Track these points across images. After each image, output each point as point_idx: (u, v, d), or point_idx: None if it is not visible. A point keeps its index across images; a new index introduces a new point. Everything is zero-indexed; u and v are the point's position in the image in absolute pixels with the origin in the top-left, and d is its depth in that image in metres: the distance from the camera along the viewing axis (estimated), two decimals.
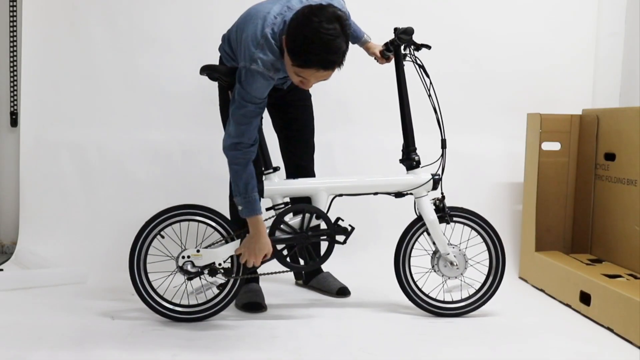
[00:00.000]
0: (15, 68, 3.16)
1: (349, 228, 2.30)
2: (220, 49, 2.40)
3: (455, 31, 3.27)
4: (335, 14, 1.97)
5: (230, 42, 2.30)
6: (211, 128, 3.17)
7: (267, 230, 2.23)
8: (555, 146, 2.95)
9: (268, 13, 2.08)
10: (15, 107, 3.20)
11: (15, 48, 3.15)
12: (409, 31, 2.32)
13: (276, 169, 2.29)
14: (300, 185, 2.32)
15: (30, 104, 3.13)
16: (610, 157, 2.77)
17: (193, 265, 2.22)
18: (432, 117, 2.35)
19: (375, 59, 2.51)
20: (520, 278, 3.01)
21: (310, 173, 2.61)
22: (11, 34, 3.15)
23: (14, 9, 3.14)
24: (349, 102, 3.22)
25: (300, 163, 2.57)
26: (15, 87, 3.18)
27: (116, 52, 3.15)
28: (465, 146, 3.21)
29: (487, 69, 3.33)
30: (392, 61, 2.42)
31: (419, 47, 2.35)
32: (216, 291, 2.28)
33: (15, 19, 3.14)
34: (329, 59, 1.96)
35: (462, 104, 3.28)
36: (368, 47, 2.53)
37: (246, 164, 2.12)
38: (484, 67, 3.32)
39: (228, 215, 2.37)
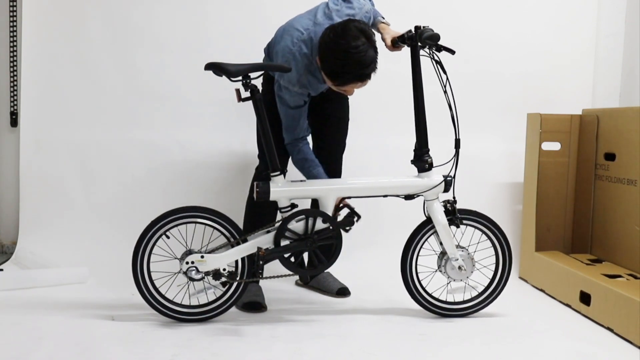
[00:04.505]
0: (15, 68, 3.16)
1: (355, 218, 2.27)
2: (265, 52, 2.55)
3: (456, 32, 3.26)
4: (358, 27, 2.13)
5: (269, 54, 2.46)
6: (211, 128, 3.19)
7: (273, 236, 2.23)
8: (555, 146, 2.95)
9: (297, 29, 2.28)
10: (15, 107, 3.19)
11: (15, 48, 3.15)
12: (435, 37, 2.19)
13: (283, 171, 2.26)
14: (308, 187, 2.27)
15: (30, 104, 3.13)
16: (610, 157, 2.77)
17: (197, 271, 2.20)
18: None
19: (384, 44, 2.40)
20: (520, 278, 3.01)
21: (338, 172, 2.63)
22: (11, 34, 3.15)
23: (14, 9, 3.13)
24: (351, 103, 3.22)
25: (329, 161, 2.56)
26: (15, 87, 3.18)
27: (116, 52, 3.15)
28: (465, 146, 3.18)
29: (487, 69, 3.33)
30: (404, 59, 2.33)
31: (440, 49, 2.24)
32: (219, 292, 2.28)
33: (15, 19, 3.14)
34: (364, 72, 2.16)
35: (463, 104, 3.25)
36: (380, 29, 2.42)
37: (299, 152, 2.36)
38: (484, 67, 3.32)
39: (233, 218, 2.31)
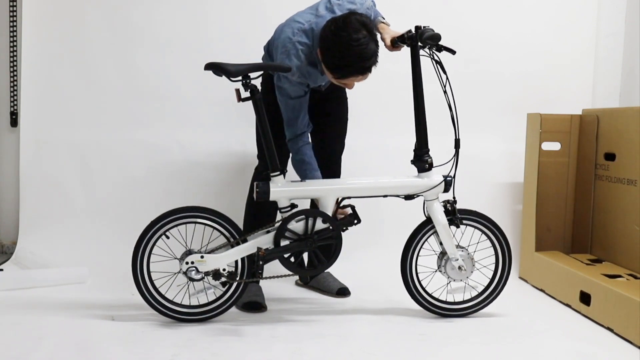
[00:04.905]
0: (15, 68, 3.16)
1: (355, 221, 2.28)
2: (264, 49, 2.53)
3: (456, 32, 3.26)
4: (359, 20, 2.13)
5: (269, 52, 2.44)
6: (211, 128, 3.18)
7: (273, 236, 2.23)
8: (555, 146, 2.95)
9: (297, 21, 2.28)
10: (15, 107, 3.20)
11: (15, 48, 3.15)
12: (436, 38, 2.19)
13: (283, 172, 2.26)
14: (308, 188, 2.27)
15: (30, 104, 3.13)
16: (610, 157, 2.77)
17: (197, 271, 2.20)
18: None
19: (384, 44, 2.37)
20: (520, 278, 3.01)
21: (337, 173, 2.62)
22: (11, 34, 3.15)
23: (14, 9, 3.14)
24: (351, 103, 3.22)
25: (328, 161, 2.56)
26: (15, 87, 3.18)
27: (116, 52, 3.15)
28: (465, 146, 3.18)
29: (487, 69, 3.33)
30: (404, 59, 2.32)
31: (441, 49, 2.23)
32: (219, 292, 2.28)
33: (15, 19, 3.14)
34: (365, 65, 2.15)
35: (463, 104, 3.26)
36: (379, 29, 2.38)
37: (297, 152, 2.33)
38: (484, 67, 3.32)
39: (233, 218, 2.31)
